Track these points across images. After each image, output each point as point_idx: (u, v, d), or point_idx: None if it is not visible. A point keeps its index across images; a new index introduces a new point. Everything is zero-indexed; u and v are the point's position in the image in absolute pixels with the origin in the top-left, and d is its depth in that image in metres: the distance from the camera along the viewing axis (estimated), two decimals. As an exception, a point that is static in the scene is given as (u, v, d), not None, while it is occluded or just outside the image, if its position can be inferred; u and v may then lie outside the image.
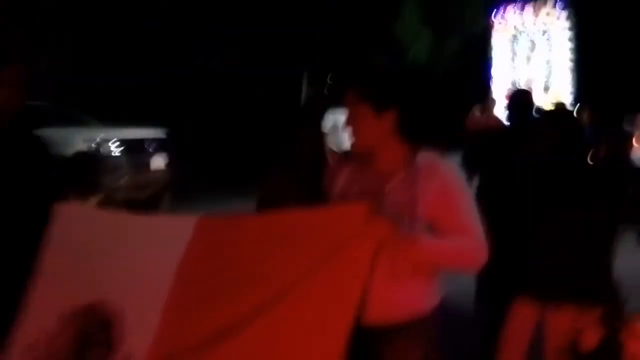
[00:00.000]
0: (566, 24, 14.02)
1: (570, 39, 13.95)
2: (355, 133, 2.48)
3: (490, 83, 14.89)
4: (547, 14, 14.19)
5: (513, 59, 14.67)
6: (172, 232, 2.45)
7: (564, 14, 14.01)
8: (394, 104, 2.44)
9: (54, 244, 2.48)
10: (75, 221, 2.54)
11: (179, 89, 14.69)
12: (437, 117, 2.71)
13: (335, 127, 7.89)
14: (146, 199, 9.11)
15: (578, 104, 12.89)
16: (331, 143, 5.61)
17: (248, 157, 10.15)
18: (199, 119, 14.70)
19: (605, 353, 2.95)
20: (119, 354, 2.31)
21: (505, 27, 14.76)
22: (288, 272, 2.31)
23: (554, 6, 14.11)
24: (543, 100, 13.45)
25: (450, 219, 2.45)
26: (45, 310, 2.41)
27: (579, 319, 3.13)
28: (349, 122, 2.48)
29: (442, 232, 2.45)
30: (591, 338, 3.02)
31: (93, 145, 8.93)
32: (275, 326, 2.25)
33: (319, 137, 3.60)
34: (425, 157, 2.52)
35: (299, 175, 3.25)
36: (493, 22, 14.95)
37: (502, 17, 14.77)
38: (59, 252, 2.47)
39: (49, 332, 2.38)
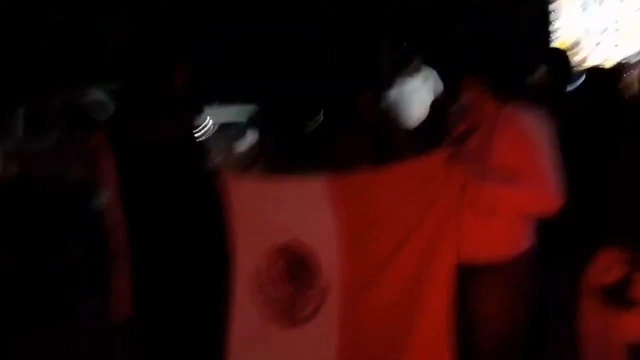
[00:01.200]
0: None
1: None
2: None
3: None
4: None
5: (581, 6, 13.10)
6: (313, 192, 2.99)
7: None
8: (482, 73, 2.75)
9: (239, 206, 3.03)
10: (247, 189, 3.11)
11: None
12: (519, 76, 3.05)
13: (398, 98, 7.89)
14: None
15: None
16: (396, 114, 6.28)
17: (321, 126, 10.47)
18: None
19: (619, 289, 2.88)
20: (321, 281, 2.95)
21: None
22: (408, 220, 2.73)
23: None
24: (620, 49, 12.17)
25: (523, 165, 2.56)
26: (252, 250, 3.01)
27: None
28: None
29: (515, 178, 2.56)
30: (614, 274, 2.96)
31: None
32: (405, 268, 2.80)
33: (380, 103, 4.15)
34: (510, 109, 2.71)
35: (365, 138, 3.73)
36: None
37: None
38: (247, 207, 3.03)
39: (262, 266, 3.01)
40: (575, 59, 12.45)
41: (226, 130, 9.16)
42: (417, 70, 8.63)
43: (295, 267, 3.01)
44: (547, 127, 2.72)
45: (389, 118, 5.24)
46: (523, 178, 2.57)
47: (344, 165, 3.74)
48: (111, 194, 3.08)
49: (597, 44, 12.66)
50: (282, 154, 10.80)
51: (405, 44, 9.18)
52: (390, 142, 4.47)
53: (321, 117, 15.35)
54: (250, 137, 9.63)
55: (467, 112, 2.91)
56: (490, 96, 2.76)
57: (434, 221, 2.71)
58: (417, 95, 8.28)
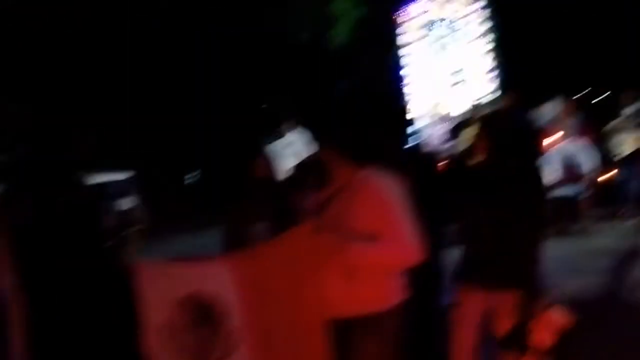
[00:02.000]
0: (479, 5, 13.18)
1: (485, 21, 13.14)
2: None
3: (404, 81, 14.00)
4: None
5: (428, 51, 13.81)
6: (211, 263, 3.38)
7: None
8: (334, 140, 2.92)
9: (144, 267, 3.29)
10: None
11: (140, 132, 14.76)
12: (371, 140, 3.03)
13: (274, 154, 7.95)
14: (116, 241, 8.49)
15: (499, 94, 12.49)
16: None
17: (207, 190, 11.11)
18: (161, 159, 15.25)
19: (514, 339, 3.26)
20: (224, 329, 3.19)
21: (415, 18, 13.84)
22: (288, 284, 3.01)
23: None
24: (464, 93, 12.99)
25: (381, 226, 2.74)
26: (161, 302, 3.17)
27: (497, 305, 3.49)
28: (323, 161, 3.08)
29: (377, 239, 2.74)
30: (504, 324, 3.34)
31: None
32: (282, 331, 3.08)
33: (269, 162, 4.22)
34: (364, 173, 2.87)
35: (258, 199, 3.92)
36: (399, 14, 14.03)
37: (410, 8, 13.89)
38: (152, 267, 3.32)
39: (172, 315, 3.19)
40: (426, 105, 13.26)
41: (107, 190, 9.07)
42: (292, 125, 9.06)
43: (202, 315, 3.22)
44: (400, 188, 2.89)
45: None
46: (384, 238, 2.75)
47: (238, 222, 4.13)
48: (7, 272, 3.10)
49: (447, 89, 13.36)
50: (162, 212, 11.15)
51: (281, 99, 9.57)
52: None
53: (199, 174, 15.98)
54: (131, 198, 9.88)
55: (330, 175, 3.05)
56: (349, 160, 2.93)
57: (306, 283, 2.98)
58: (291, 149, 8.70)
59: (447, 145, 10.47)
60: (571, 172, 9.42)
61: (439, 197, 4.12)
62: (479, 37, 13.21)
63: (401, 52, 14.06)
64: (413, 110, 13.26)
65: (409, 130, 11.82)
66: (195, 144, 16.04)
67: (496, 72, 13.12)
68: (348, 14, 15.90)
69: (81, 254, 3.22)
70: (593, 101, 15.26)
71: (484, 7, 13.24)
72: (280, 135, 8.97)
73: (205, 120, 16.00)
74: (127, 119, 15.00)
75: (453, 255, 4.04)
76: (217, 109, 16.00)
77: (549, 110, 10.98)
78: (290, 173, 5.84)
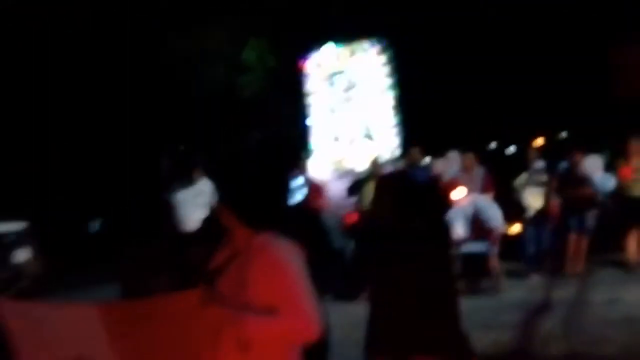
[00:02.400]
0: (383, 60, 13.15)
1: (388, 76, 13.11)
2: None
3: (309, 132, 13.80)
4: (363, 50, 13.28)
5: (332, 104, 13.64)
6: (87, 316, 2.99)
7: (381, 49, 13.16)
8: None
9: (19, 327, 2.96)
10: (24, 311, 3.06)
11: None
12: (268, 203, 2.87)
13: (183, 202, 8.10)
14: (15, 292, 9.07)
15: (403, 149, 12.41)
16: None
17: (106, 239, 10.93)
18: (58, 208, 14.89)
19: None
20: None
21: (320, 69, 13.68)
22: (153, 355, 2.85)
23: (371, 44, 13.25)
24: (368, 147, 12.86)
25: (279, 298, 2.60)
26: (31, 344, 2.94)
27: None
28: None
29: (273, 310, 2.60)
30: None
31: None
32: None
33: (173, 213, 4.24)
34: (260, 239, 2.71)
35: (158, 251, 3.84)
36: (304, 64, 13.82)
37: (315, 59, 13.72)
38: (27, 328, 2.97)
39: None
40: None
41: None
42: (198, 176, 8.66)
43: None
44: (299, 257, 2.76)
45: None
46: (283, 311, 2.63)
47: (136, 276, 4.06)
48: None
49: (351, 143, 13.25)
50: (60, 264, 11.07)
51: (184, 149, 9.21)
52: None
53: (98, 226, 15.55)
54: (26, 250, 9.65)
55: (226, 239, 2.89)
56: (245, 223, 2.80)
57: (195, 354, 2.77)
58: (202, 198, 8.26)
59: (349, 201, 10.12)
60: (478, 228, 9.22)
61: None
62: (383, 91, 13.18)
63: (307, 102, 13.88)
64: (316, 163, 12.87)
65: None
66: (101, 191, 15.60)
67: (400, 127, 13.09)
68: (259, 63, 16.09)
69: None
70: (502, 154, 15.43)
71: (387, 62, 13.14)
72: (190, 183, 8.56)
73: (111, 166, 15.64)
74: (24, 166, 14.76)
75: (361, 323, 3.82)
76: (123, 156, 15.56)
77: (453, 164, 10.94)
78: (197, 225, 5.48)
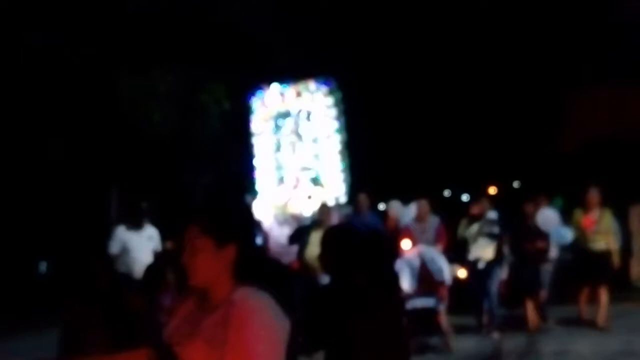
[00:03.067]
0: (330, 101, 12.55)
1: (336, 119, 12.52)
2: (194, 268, 2.47)
3: (254, 174, 13.11)
4: (310, 91, 12.66)
5: (277, 146, 13.02)
6: None
7: (328, 90, 12.55)
8: (235, 238, 2.48)
9: None
10: None
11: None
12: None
13: (125, 249, 8.18)
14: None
15: (348, 197, 11.83)
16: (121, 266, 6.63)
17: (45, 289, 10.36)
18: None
19: None
20: None
21: (266, 110, 13.05)
22: None
23: (317, 84, 12.65)
24: (314, 194, 12.25)
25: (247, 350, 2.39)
26: None
27: None
28: (187, 256, 2.46)
29: None
30: None
31: None
32: None
33: (112, 266, 4.55)
34: (240, 292, 2.48)
35: (97, 306, 3.77)
36: (251, 104, 13.20)
37: (262, 99, 13.08)
38: None
39: None
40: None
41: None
42: (146, 221, 8.67)
43: None
44: (274, 313, 2.50)
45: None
46: None
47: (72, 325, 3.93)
48: None
49: (294, 187, 12.58)
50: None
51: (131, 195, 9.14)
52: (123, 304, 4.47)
53: (45, 269, 15.14)
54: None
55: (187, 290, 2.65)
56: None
57: None
58: (151, 243, 8.47)
59: (291, 249, 9.42)
60: (426, 281, 8.59)
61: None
62: (330, 134, 12.60)
63: (252, 142, 13.26)
64: (260, 207, 12.18)
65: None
66: (49, 232, 15.29)
67: (347, 172, 12.53)
68: (215, 106, 15.73)
69: None
70: (457, 202, 15.00)
71: (335, 104, 12.61)
72: (140, 227, 8.55)
73: (58, 207, 15.42)
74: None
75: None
76: (72, 196, 15.33)
77: (403, 212, 10.45)
78: (146, 272, 5.43)
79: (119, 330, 3.41)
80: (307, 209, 11.45)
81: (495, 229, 9.56)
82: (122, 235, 8.41)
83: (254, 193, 12.29)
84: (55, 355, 4.41)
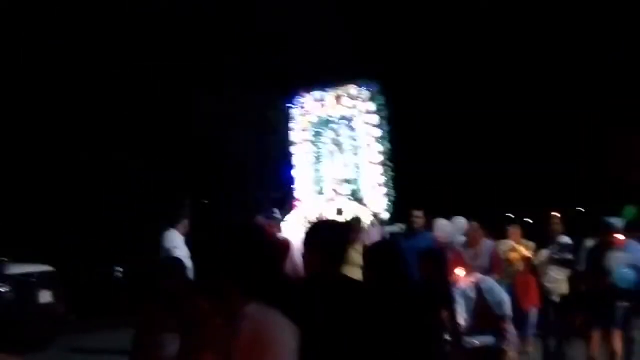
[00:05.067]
0: (372, 107, 11.42)
1: (378, 126, 11.38)
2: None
3: (292, 187, 12.10)
4: (352, 98, 11.55)
5: (317, 157, 11.97)
6: None
7: (369, 94, 11.45)
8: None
9: None
10: None
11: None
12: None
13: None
14: (38, 334, 9.48)
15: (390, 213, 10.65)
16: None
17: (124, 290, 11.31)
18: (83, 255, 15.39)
19: None
20: None
21: (305, 118, 12.03)
22: None
23: (359, 88, 11.53)
24: (349, 208, 10.98)
25: None
26: None
27: None
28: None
29: None
30: None
31: None
32: None
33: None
34: (250, 308, 2.60)
35: (170, 310, 4.04)
36: (290, 112, 12.20)
37: (301, 106, 12.06)
38: None
39: None
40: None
41: (20, 284, 9.48)
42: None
43: None
44: (290, 332, 2.58)
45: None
46: None
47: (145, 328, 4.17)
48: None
49: (331, 200, 11.40)
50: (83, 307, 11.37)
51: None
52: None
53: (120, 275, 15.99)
54: (48, 293, 9.92)
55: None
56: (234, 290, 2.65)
57: None
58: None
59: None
60: (485, 315, 7.16)
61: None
62: (371, 143, 11.45)
63: (291, 151, 12.29)
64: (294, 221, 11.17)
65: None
66: (125, 240, 16.19)
67: (390, 186, 11.33)
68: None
69: None
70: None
71: (377, 110, 11.29)
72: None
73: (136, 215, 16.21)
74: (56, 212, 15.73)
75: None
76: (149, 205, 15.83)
77: (452, 236, 9.03)
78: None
79: (190, 334, 3.44)
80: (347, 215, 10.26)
81: (569, 256, 8.10)
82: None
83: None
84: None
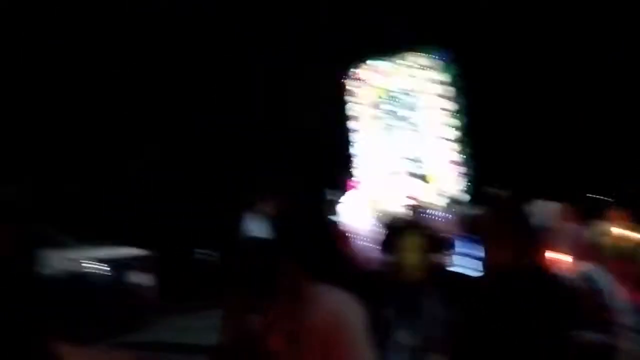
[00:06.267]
0: (444, 78, 10.22)
1: (451, 99, 10.15)
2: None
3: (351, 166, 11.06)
4: (421, 67, 10.36)
5: (380, 133, 10.86)
6: None
7: (440, 64, 10.26)
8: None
9: None
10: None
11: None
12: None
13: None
14: (132, 316, 9.82)
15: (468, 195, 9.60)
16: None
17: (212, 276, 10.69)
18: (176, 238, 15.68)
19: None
20: None
21: (367, 90, 10.92)
22: None
23: (429, 57, 10.35)
24: (422, 189, 9.83)
25: (333, 353, 2.54)
26: None
27: None
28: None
29: None
30: None
31: (76, 265, 9.31)
32: None
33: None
34: (315, 289, 2.66)
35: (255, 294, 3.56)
36: (347, 82, 11.11)
37: (362, 77, 10.95)
38: None
39: None
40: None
41: (120, 267, 9.89)
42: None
43: None
44: (358, 309, 2.62)
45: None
46: None
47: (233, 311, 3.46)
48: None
49: (394, 180, 10.35)
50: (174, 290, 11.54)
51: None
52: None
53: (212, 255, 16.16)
54: (144, 276, 10.34)
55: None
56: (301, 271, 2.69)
57: None
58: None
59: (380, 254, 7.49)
60: (593, 307, 5.85)
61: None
62: (444, 118, 10.23)
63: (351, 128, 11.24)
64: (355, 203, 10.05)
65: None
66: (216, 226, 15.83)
67: (466, 165, 10.09)
68: None
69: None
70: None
71: (450, 82, 10.21)
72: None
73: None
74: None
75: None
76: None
77: (544, 220, 7.77)
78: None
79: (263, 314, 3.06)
80: (402, 207, 9.11)
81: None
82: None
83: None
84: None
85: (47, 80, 14.97)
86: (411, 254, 6.95)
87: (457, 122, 10.08)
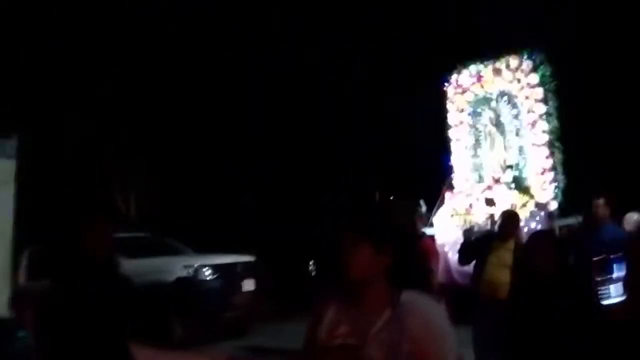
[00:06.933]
0: (536, 79, 9.78)
1: (545, 102, 9.73)
2: (352, 265, 2.62)
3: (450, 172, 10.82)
4: (513, 70, 10.01)
5: (475, 140, 10.63)
6: None
7: (532, 65, 9.83)
8: (392, 245, 2.68)
9: None
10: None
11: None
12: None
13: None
14: (236, 320, 10.25)
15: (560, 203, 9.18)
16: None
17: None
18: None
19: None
20: None
21: (461, 96, 10.68)
22: None
23: (522, 58, 9.94)
24: (516, 198, 9.51)
25: (429, 356, 2.55)
26: None
27: None
28: (347, 255, 2.63)
29: None
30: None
31: (191, 271, 9.77)
32: None
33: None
34: (408, 296, 2.65)
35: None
36: (446, 89, 10.87)
37: (456, 83, 10.73)
38: None
39: None
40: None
41: (227, 272, 10.17)
42: None
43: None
44: (445, 316, 2.63)
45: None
46: None
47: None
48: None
49: (489, 188, 10.03)
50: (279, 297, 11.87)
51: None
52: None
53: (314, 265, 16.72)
54: (250, 282, 10.56)
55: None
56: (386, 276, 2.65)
57: None
58: None
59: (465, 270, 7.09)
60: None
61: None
62: (536, 122, 9.83)
63: (446, 137, 11.03)
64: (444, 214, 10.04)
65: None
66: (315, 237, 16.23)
67: (559, 171, 9.67)
68: None
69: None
70: None
71: (543, 83, 9.79)
72: None
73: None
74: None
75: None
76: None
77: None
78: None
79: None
80: (488, 218, 8.88)
81: None
82: None
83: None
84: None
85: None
86: (499, 268, 6.14)
87: (548, 126, 9.68)
